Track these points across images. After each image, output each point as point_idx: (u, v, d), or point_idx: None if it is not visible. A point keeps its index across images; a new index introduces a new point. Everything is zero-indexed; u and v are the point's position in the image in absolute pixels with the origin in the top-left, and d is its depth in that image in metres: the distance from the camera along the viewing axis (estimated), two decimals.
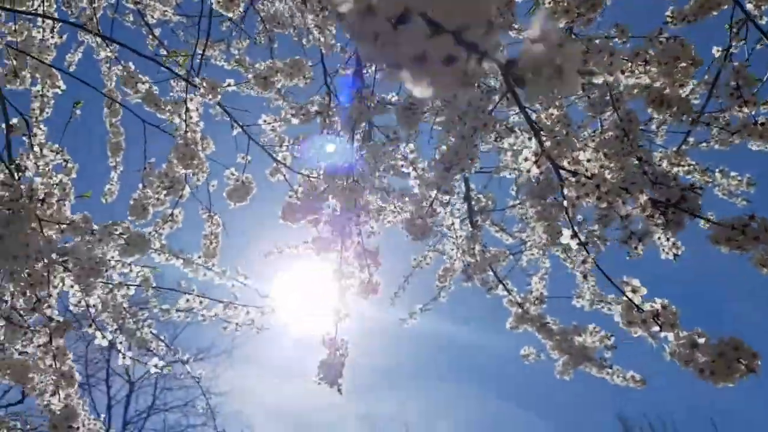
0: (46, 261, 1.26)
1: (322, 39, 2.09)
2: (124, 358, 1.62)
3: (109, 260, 1.42)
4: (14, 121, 1.94)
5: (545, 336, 2.13)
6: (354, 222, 1.26)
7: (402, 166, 1.30)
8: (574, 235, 1.02)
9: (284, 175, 1.82)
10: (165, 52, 2.54)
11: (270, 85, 1.79)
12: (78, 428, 1.35)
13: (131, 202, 1.92)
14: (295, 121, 1.80)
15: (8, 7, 1.68)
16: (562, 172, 1.04)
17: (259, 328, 2.00)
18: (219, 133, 2.02)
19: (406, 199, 1.87)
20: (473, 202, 2.28)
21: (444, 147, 1.19)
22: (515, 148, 1.86)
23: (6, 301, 2.07)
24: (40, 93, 1.83)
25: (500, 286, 2.23)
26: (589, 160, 1.13)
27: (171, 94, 2.03)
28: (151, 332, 1.99)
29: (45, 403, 1.98)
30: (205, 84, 1.47)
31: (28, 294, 1.24)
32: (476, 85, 1.19)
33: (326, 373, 1.46)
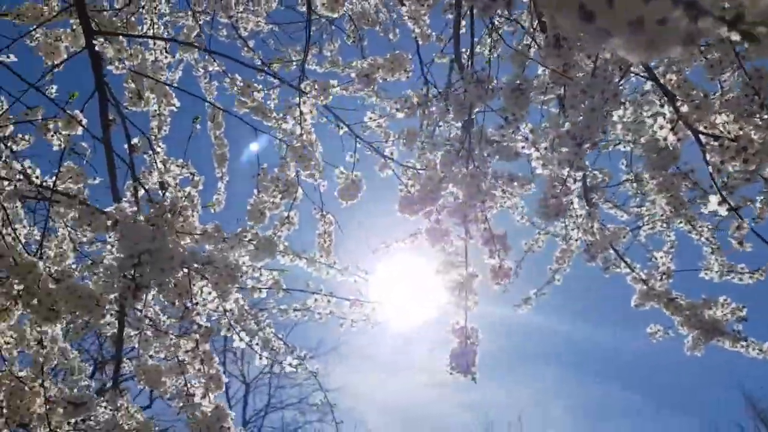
0: (187, 271, 1.32)
1: (417, 30, 2.09)
2: (261, 358, 1.68)
3: (242, 266, 1.47)
4: (135, 140, 2.05)
5: (673, 312, 2.05)
6: (479, 208, 1.25)
7: (522, 147, 1.27)
8: (723, 201, 0.96)
9: (393, 170, 1.83)
10: (260, 62, 2.61)
11: (372, 82, 1.81)
12: (229, 428, 1.41)
13: (249, 208, 1.98)
14: (400, 115, 1.81)
15: (125, 33, 1.78)
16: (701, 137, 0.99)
17: (374, 323, 2.03)
18: (322, 135, 2.05)
19: (514, 183, 1.84)
20: (588, 179, 2.22)
21: (568, 124, 1.16)
22: (624, 120, 1.79)
23: (140, 311, 2.19)
24: (158, 112, 1.93)
25: (622, 264, 2.16)
26: (726, 123, 1.08)
27: (270, 101, 2.09)
28: (272, 332, 2.05)
29: (182, 405, 2.07)
30: (316, 86, 1.50)
31: (176, 303, 1.30)
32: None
33: (458, 362, 1.46)
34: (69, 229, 1.85)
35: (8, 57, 1.72)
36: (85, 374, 2.49)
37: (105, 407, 1.96)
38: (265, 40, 3.21)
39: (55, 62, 1.96)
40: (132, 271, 1.18)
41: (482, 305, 1.45)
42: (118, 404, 2.03)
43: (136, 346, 2.40)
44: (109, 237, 2.03)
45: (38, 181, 1.46)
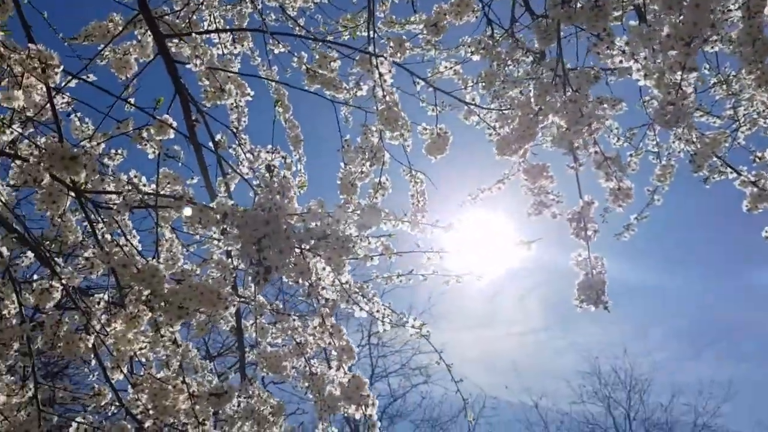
0: (300, 251, 1.34)
1: None
2: (383, 325, 1.69)
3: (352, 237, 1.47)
4: (218, 137, 2.08)
5: None
6: (587, 132, 1.20)
7: (620, 62, 1.21)
8: None
9: (479, 114, 1.79)
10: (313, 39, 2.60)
11: (441, 30, 1.77)
12: (368, 395, 1.44)
13: (338, 182, 1.99)
14: (475, 57, 1.77)
15: (187, 32, 1.79)
16: None
17: (479, 277, 2.01)
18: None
19: (604, 105, 1.77)
20: None
21: (667, 28, 1.10)
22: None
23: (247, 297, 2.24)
24: (235, 104, 1.95)
25: (728, 169, 2.06)
26: None
27: (337, 73, 2.08)
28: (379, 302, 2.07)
29: (308, 385, 2.12)
30: (391, 44, 1.47)
31: (300, 282, 1.32)
32: None
33: (587, 294, 1.43)
34: (176, 232, 1.91)
35: (88, 77, 1.77)
36: (207, 369, 2.59)
37: (239, 396, 2.04)
38: (313, 17, 3.20)
39: (128, 76, 2.01)
40: (258, 256, 1.20)
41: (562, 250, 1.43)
42: (250, 392, 2.10)
43: (254, 335, 2.48)
44: (214, 233, 2.08)
45: (145, 189, 1.50)
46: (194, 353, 2.31)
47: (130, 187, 1.49)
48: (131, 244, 1.62)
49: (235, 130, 1.90)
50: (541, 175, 1.77)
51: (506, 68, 2.27)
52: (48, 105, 1.56)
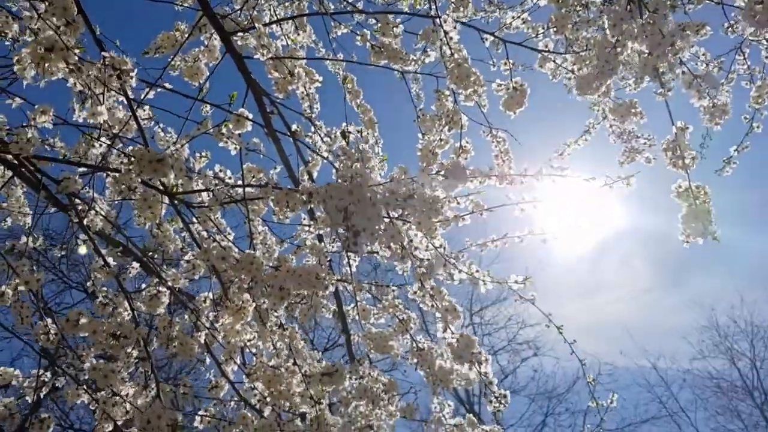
0: (389, 220, 1.33)
1: None
2: (485, 284, 1.66)
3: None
4: (294, 127, 2.11)
5: None
6: (671, 53, 1.13)
7: None
8: None
9: (554, 60, 1.72)
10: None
11: None
12: (480, 353, 1.41)
13: (419, 153, 1.97)
14: (543, 2, 1.70)
15: (251, 26, 1.82)
16: None
17: (579, 227, 1.94)
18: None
19: (686, 32, 1.66)
20: None
21: None
22: None
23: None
24: (306, 92, 1.96)
25: None
26: None
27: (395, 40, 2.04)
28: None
29: (417, 362, 2.11)
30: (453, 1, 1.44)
31: (393, 248, 1.31)
32: None
33: (692, 226, 1.35)
34: (267, 225, 1.95)
35: (165, 85, 1.83)
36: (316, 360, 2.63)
37: (350, 377, 2.06)
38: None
39: (200, 81, 2.06)
40: (346, 225, 1.20)
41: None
42: (361, 372, 2.12)
43: (357, 317, 2.50)
44: (304, 220, 2.11)
45: (231, 182, 1.53)
46: (302, 343, 2.36)
47: (217, 181, 1.53)
48: (227, 238, 1.66)
49: (309, 119, 1.91)
50: (629, 112, 1.68)
51: (577, 9, 2.18)
52: (131, 119, 1.62)
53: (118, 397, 1.33)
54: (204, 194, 1.61)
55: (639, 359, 13.17)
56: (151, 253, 2.17)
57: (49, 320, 1.29)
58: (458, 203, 1.54)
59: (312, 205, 1.51)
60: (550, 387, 12.57)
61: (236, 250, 1.57)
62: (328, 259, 1.97)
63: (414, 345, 2.21)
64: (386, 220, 1.28)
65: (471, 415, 2.38)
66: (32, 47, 1.31)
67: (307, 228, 2.02)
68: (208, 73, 2.10)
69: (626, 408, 11.99)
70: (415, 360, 2.26)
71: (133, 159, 1.40)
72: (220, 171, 1.58)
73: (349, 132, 1.62)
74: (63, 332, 1.29)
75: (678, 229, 1.45)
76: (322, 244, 2.03)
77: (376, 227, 1.23)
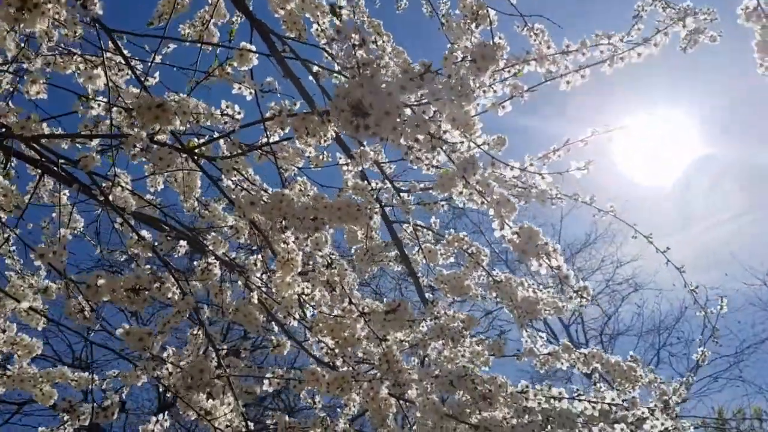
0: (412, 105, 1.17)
1: None
2: (543, 180, 1.48)
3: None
4: (316, 69, 1.96)
5: None
6: None
7: None
8: None
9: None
10: None
11: None
12: (546, 243, 1.23)
13: (444, 60, 1.79)
14: None
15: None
16: None
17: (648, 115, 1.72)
18: None
19: None
20: None
21: None
22: None
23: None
24: (320, 29, 1.81)
25: None
26: None
27: None
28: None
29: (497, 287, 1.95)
30: None
31: (421, 140, 1.15)
32: None
33: None
34: (304, 174, 1.83)
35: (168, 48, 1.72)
36: None
37: (424, 319, 1.92)
38: None
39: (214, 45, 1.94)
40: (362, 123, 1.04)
41: None
42: (435, 312, 1.97)
43: (425, 260, 2.35)
44: (341, 158, 1.97)
45: (241, 117, 1.41)
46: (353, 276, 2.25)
47: (226, 120, 1.40)
48: (255, 185, 1.54)
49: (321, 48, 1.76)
50: None
51: None
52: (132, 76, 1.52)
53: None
54: (221, 143, 1.49)
55: (747, 278, 12.44)
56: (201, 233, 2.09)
57: (80, 297, 1.21)
58: (494, 91, 1.35)
59: (333, 126, 1.37)
60: (657, 321, 12.11)
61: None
62: (374, 196, 1.82)
63: (490, 278, 2.05)
64: (408, 111, 1.12)
65: (565, 340, 2.20)
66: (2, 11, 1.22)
67: (346, 168, 1.88)
68: (218, 34, 1.99)
69: (743, 329, 11.40)
70: (494, 294, 2.09)
71: (132, 111, 1.30)
72: (227, 107, 1.45)
73: (341, 7, 1.46)
74: (90, 303, 1.20)
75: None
76: (365, 182, 1.89)
77: (397, 119, 1.07)
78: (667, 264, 2.22)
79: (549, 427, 1.63)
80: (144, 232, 1.61)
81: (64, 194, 1.91)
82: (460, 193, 1.23)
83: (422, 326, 1.87)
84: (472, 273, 2.18)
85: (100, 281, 1.17)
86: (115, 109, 1.46)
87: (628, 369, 2.06)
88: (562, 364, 2.15)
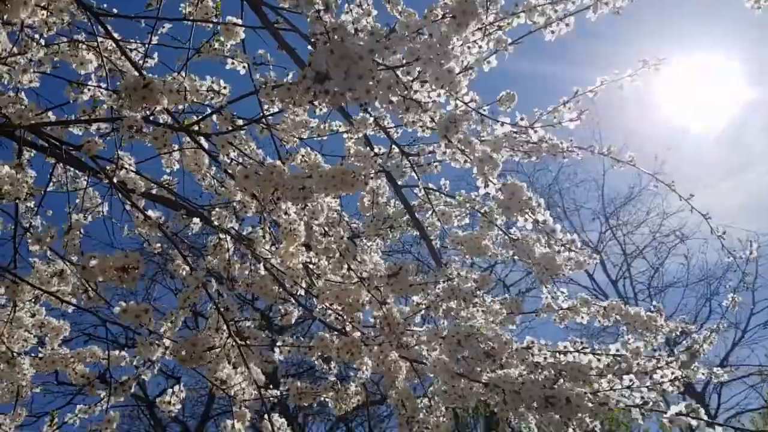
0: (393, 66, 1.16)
1: None
2: (535, 133, 1.46)
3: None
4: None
5: None
6: None
7: None
8: None
9: None
10: None
11: None
12: (530, 199, 1.22)
13: None
14: None
15: None
16: None
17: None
18: None
19: None
20: None
21: None
22: None
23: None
24: None
25: None
26: None
27: None
28: None
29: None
30: None
31: (394, 101, 1.15)
32: None
33: None
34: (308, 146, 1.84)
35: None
36: None
37: (437, 281, 1.92)
38: None
39: (218, 16, 1.95)
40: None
41: None
42: (449, 273, 1.97)
43: (440, 222, 2.35)
44: (341, 126, 1.97)
45: (226, 92, 1.42)
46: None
47: (212, 95, 1.42)
48: (251, 157, 1.56)
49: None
50: None
51: None
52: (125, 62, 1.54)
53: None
54: (214, 118, 1.50)
55: None
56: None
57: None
58: (479, 47, 1.33)
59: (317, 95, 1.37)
60: (705, 272, 11.89)
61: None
62: (377, 161, 1.82)
63: (506, 236, 2.04)
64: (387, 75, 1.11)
65: (583, 294, 2.18)
66: None
67: (349, 136, 1.88)
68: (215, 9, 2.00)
69: None
70: (512, 252, 2.08)
71: (120, 93, 1.32)
72: (213, 82, 1.47)
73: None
74: (88, 282, 1.24)
75: None
76: (368, 148, 1.89)
77: (370, 82, 1.06)
78: (706, 216, 2.16)
79: (561, 381, 1.63)
80: (155, 213, 1.64)
81: (77, 180, 1.97)
82: (444, 152, 1.22)
83: (437, 288, 1.88)
84: (488, 233, 2.17)
85: (92, 262, 1.21)
86: (105, 92, 1.49)
87: (649, 319, 2.04)
88: (582, 318, 2.14)
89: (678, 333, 2.27)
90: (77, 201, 2.08)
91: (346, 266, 1.51)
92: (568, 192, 13.47)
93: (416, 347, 1.65)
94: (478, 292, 1.92)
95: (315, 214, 1.44)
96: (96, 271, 1.21)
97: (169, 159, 2.04)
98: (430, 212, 2.24)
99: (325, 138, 2.01)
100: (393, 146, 2.04)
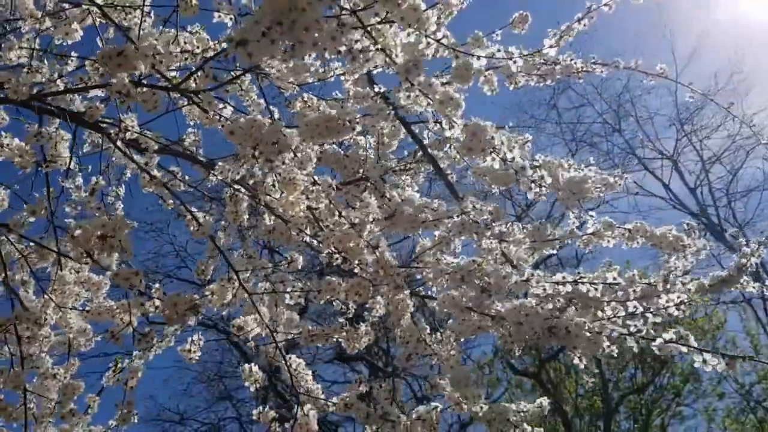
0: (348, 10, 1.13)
1: None
2: (515, 65, 1.40)
3: None
4: None
5: None
6: None
7: None
8: None
9: None
10: None
11: None
12: (492, 138, 1.19)
13: None
14: None
15: None
16: None
17: None
18: None
19: None
20: None
21: None
22: None
23: None
24: None
25: None
26: None
27: None
28: None
29: None
30: None
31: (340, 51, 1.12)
32: None
33: None
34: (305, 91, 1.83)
35: None
36: None
37: (451, 216, 1.90)
38: None
39: None
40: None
41: None
42: (464, 207, 1.96)
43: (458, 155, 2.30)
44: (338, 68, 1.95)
45: (199, 50, 1.42)
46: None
47: (186, 55, 1.43)
48: (242, 111, 1.57)
49: None
50: None
51: None
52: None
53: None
54: (200, 74, 1.52)
55: None
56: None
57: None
58: None
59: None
60: None
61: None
62: (377, 101, 1.79)
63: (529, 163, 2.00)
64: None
65: (606, 218, 2.12)
66: None
67: (343, 76, 1.85)
68: None
69: None
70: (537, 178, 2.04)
71: (97, 61, 1.35)
72: (186, 42, 1.47)
73: None
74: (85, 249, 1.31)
75: None
76: (367, 89, 1.85)
77: (316, 33, 1.04)
78: None
79: (573, 308, 1.62)
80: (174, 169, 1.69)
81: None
82: (408, 96, 1.19)
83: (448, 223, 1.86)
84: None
85: (77, 232, 1.27)
86: (87, 62, 1.53)
87: (675, 239, 1.97)
88: (607, 242, 2.09)
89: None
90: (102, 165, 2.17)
91: (338, 213, 1.52)
92: (640, 99, 12.83)
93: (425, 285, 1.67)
94: (492, 225, 1.90)
95: (303, 164, 1.45)
96: (80, 240, 1.27)
97: (191, 112, 2.08)
98: (447, 146, 2.20)
99: (331, 79, 1.98)
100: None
